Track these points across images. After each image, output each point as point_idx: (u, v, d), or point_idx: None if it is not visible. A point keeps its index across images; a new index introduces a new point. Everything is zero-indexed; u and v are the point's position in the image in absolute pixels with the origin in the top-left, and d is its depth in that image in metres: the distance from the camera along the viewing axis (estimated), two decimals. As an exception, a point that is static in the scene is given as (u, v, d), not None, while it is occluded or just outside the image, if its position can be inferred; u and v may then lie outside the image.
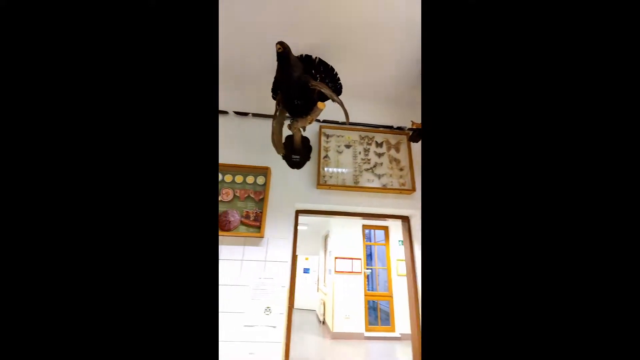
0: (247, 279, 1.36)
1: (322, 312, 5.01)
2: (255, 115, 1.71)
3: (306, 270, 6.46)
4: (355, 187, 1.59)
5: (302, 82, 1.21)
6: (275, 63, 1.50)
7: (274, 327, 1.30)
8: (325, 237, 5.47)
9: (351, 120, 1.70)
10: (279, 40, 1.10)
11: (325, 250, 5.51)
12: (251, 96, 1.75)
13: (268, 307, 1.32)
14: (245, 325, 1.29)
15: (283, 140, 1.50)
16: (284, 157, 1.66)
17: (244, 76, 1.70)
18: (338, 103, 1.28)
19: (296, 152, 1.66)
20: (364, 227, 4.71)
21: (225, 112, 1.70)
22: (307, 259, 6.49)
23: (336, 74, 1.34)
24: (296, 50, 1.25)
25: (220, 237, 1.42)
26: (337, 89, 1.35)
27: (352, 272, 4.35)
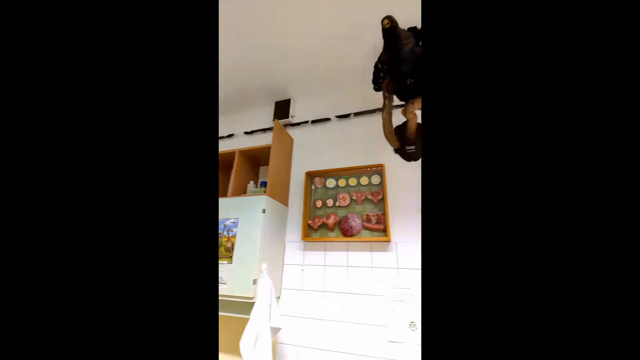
0: (382, 289, 1.24)
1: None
2: (356, 114, 1.64)
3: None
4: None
5: (417, 55, 1.04)
6: (366, 56, 1.40)
7: (424, 346, 1.10)
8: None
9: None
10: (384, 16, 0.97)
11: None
12: (349, 96, 1.70)
13: (412, 322, 1.15)
14: (389, 341, 1.15)
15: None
16: (396, 151, 1.50)
17: (338, 79, 1.68)
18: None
19: (410, 143, 1.46)
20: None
21: (327, 119, 1.71)
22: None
23: (453, 35, 1.09)
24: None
25: (345, 244, 1.37)
26: (459, 52, 1.09)
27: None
